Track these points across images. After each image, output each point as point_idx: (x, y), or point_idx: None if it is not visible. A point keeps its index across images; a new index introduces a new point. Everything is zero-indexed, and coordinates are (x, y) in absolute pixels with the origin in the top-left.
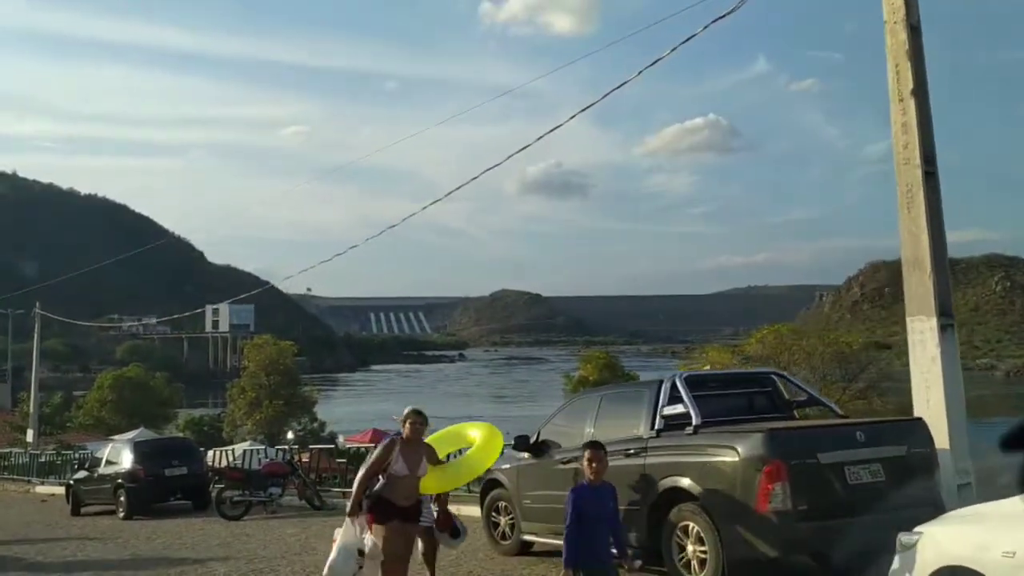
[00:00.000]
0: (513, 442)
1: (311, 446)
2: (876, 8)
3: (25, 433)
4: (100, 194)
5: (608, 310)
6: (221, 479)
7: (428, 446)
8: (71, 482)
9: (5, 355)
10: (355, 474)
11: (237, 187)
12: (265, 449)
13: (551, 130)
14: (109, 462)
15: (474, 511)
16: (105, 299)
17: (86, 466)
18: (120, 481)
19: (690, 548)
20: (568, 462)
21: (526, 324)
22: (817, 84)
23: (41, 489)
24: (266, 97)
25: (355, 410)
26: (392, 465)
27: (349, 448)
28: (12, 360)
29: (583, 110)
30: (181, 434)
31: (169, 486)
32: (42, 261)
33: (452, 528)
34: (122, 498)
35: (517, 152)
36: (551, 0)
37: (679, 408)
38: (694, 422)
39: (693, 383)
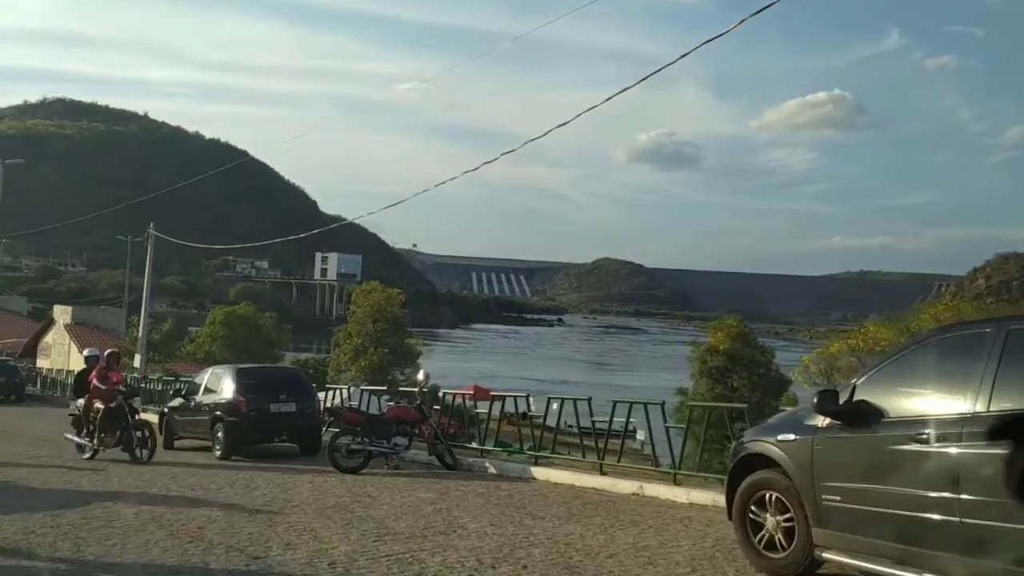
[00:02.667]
0: (815, 400)
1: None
2: None
3: (133, 358)
4: (223, 139)
5: (711, 285)
6: (336, 421)
7: None
8: (165, 410)
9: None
10: (463, 428)
11: (353, 140)
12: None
13: (593, 106)
14: (208, 390)
15: (712, 497)
16: (222, 240)
17: (183, 393)
18: (218, 414)
19: None
20: (925, 439)
21: (626, 294)
22: (954, 61)
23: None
24: (384, 53)
25: (456, 366)
26: None
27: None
28: (132, 293)
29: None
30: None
31: (275, 424)
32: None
33: None
34: (219, 434)
35: (556, 127)
36: None
37: None
38: None
39: None
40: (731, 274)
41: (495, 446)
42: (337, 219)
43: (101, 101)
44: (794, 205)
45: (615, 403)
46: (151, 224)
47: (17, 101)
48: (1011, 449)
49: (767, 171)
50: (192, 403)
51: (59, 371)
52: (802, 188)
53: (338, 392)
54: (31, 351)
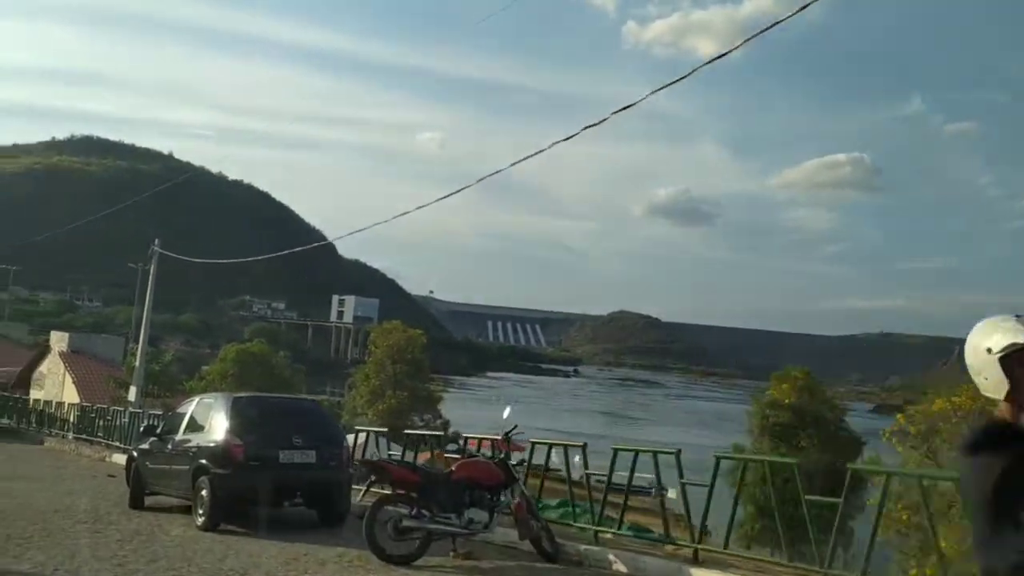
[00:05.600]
0: None
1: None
2: None
3: (128, 390)
4: (246, 181)
5: (728, 341)
6: (378, 479)
7: None
8: (133, 454)
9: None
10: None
11: (371, 186)
12: (463, 440)
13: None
14: (192, 427)
15: None
16: (240, 280)
17: (157, 431)
18: (203, 463)
19: None
20: None
21: (642, 347)
22: (974, 128)
23: (119, 458)
24: (405, 101)
25: (472, 413)
26: None
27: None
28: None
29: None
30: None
31: (285, 480)
32: (189, 238)
33: None
34: (203, 492)
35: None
36: (697, 24)
37: None
38: None
39: None
40: (748, 331)
41: (562, 514)
42: (355, 263)
43: (127, 140)
44: (812, 265)
45: (718, 458)
46: (156, 241)
47: (45, 137)
48: (987, 460)
49: (785, 230)
50: (169, 445)
51: (46, 403)
52: (821, 248)
53: (370, 437)
54: (25, 381)
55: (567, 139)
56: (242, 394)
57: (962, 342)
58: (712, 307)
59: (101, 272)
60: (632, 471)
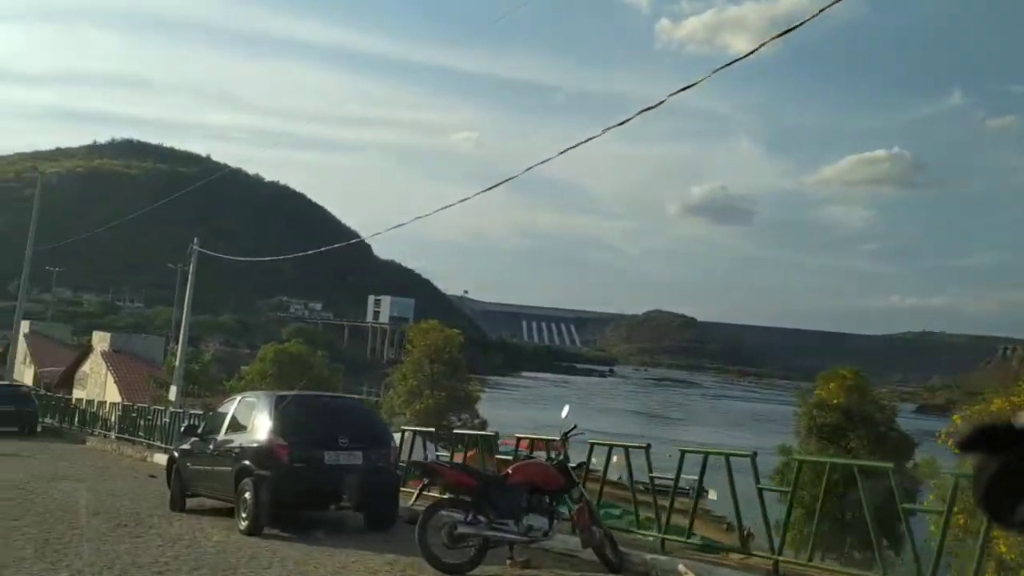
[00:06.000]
0: None
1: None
2: None
3: (168, 390)
4: (282, 182)
5: (765, 341)
6: (430, 482)
7: None
8: (174, 454)
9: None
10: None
11: (406, 187)
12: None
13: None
14: (234, 426)
15: None
16: (277, 281)
17: (198, 431)
18: (246, 464)
19: None
20: None
21: (677, 347)
22: (1018, 121)
23: (161, 458)
24: (440, 102)
25: (510, 413)
26: None
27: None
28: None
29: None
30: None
31: (331, 482)
32: (227, 238)
33: None
34: (246, 494)
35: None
36: (731, 21)
37: None
38: None
39: None
40: (785, 330)
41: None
42: (390, 264)
43: (166, 143)
44: (850, 262)
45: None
46: (195, 240)
47: (87, 141)
48: (980, 460)
49: (822, 227)
50: (211, 445)
51: (88, 402)
52: (859, 245)
53: (416, 437)
54: (68, 381)
55: (587, 141)
56: (286, 392)
57: (1007, 341)
58: (748, 306)
59: (142, 274)
60: (678, 472)
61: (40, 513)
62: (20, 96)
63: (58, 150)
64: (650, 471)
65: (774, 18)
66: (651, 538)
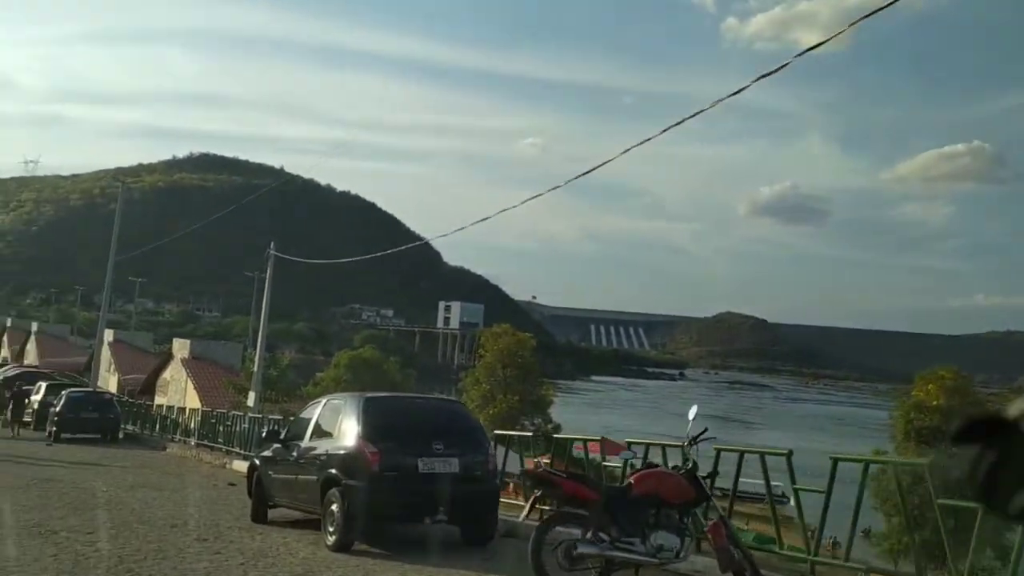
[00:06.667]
0: None
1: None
2: None
3: (247, 396)
4: (353, 191)
5: (839, 342)
6: (544, 493)
7: None
8: (256, 461)
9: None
10: None
11: (473, 193)
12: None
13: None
14: (319, 432)
15: None
16: (349, 289)
17: (280, 436)
18: (332, 473)
19: None
20: None
21: (748, 349)
22: None
23: (240, 465)
24: (506, 108)
25: (583, 418)
26: None
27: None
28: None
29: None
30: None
31: (426, 493)
32: (300, 246)
33: None
34: (333, 506)
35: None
36: (801, 16)
37: None
38: None
39: None
40: (860, 331)
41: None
42: (459, 270)
43: (241, 156)
44: (929, 261)
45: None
46: (271, 244)
47: (167, 156)
48: (977, 451)
49: (899, 225)
50: (294, 452)
51: (168, 408)
52: (939, 243)
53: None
54: (150, 388)
55: (645, 141)
56: (376, 393)
57: None
58: (822, 307)
59: (219, 283)
60: (765, 478)
61: (117, 526)
62: (105, 115)
63: (140, 166)
64: (793, 482)
65: (846, 11)
66: (800, 563)
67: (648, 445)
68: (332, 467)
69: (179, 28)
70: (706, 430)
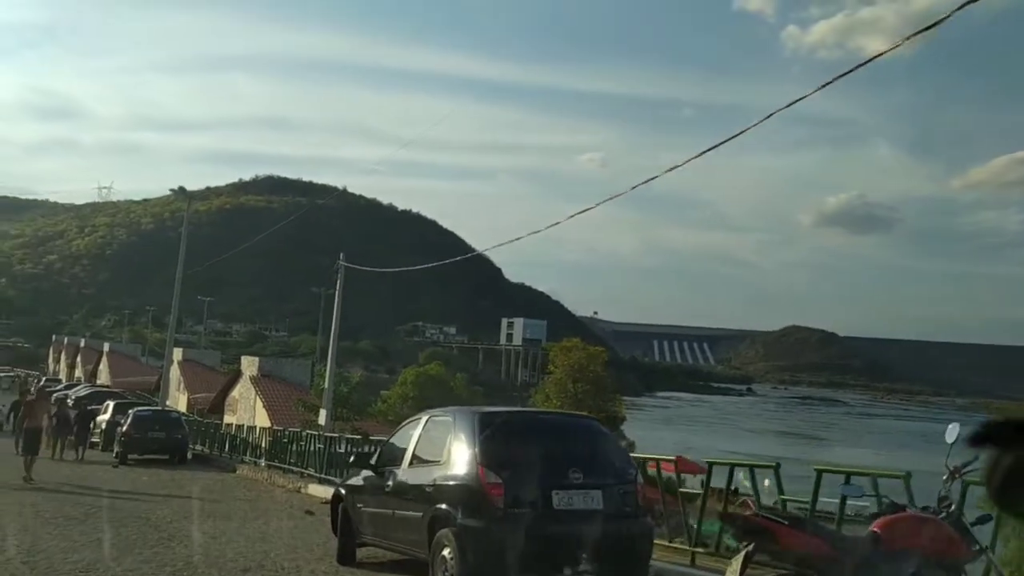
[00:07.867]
0: None
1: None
2: None
3: (318, 414)
4: (414, 210)
5: (913, 355)
6: (758, 546)
7: None
8: (341, 491)
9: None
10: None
11: (534, 210)
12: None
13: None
14: (419, 458)
15: None
16: (412, 307)
17: (371, 460)
18: (442, 508)
19: None
20: None
21: (817, 363)
22: None
23: (316, 490)
24: (565, 124)
25: (655, 435)
26: None
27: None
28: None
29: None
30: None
31: (564, 535)
32: (364, 265)
33: None
34: (445, 551)
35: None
36: (864, 22)
37: None
38: None
39: None
40: (934, 344)
41: None
42: (521, 287)
43: (305, 177)
44: (1005, 269)
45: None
46: (341, 255)
47: (233, 179)
48: (993, 455)
49: (972, 234)
50: (390, 481)
51: (238, 427)
52: (1013, 251)
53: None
54: (219, 407)
55: (701, 155)
56: (493, 408)
57: None
58: (893, 319)
59: (285, 303)
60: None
61: (179, 569)
62: (174, 141)
63: (207, 189)
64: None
65: (910, 16)
66: None
67: (733, 466)
68: (442, 502)
69: (242, 54)
70: (977, 459)
